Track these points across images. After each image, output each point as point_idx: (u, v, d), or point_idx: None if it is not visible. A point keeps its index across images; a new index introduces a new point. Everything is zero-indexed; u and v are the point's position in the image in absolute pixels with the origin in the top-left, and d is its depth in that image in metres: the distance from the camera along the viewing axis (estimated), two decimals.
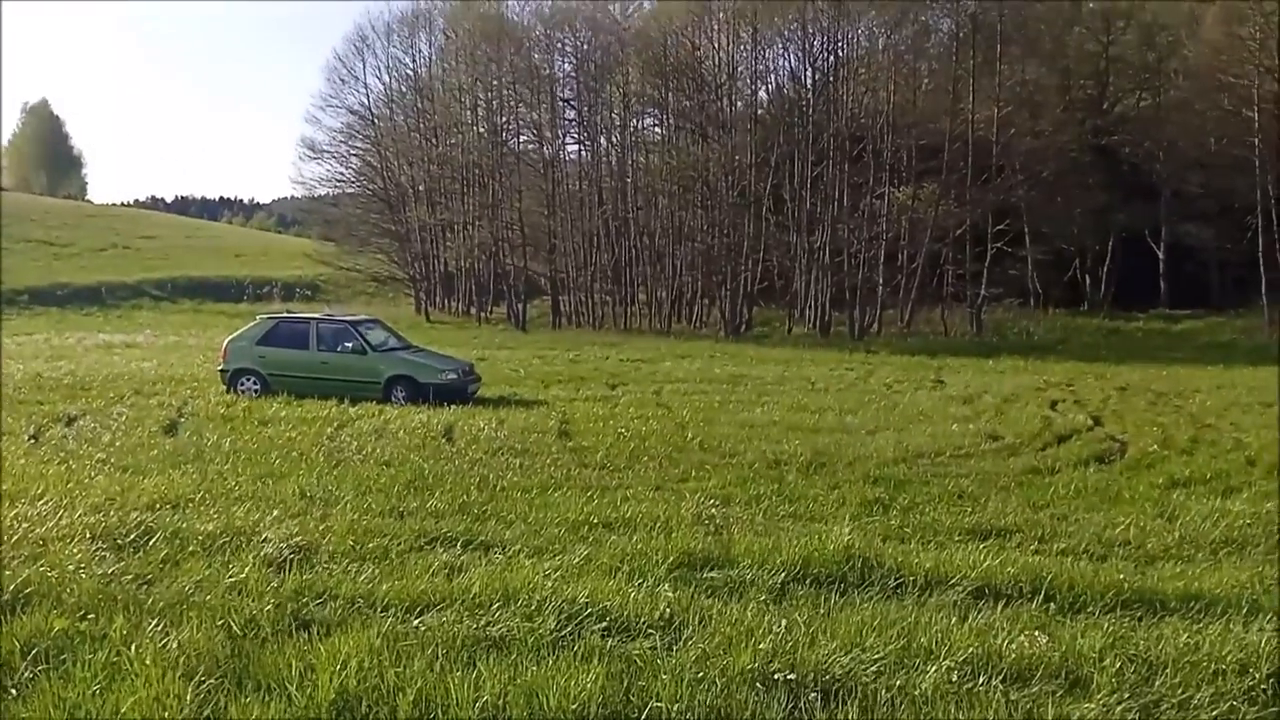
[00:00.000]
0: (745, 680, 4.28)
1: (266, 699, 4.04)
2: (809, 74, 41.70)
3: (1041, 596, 5.81)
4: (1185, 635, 5.17)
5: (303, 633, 4.84)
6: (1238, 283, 39.22)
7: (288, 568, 5.95)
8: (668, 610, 5.22)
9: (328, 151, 54.78)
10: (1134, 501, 9.06)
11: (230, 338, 17.92)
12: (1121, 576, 6.18)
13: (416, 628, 4.91)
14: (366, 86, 53.15)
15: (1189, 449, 12.50)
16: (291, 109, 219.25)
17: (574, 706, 3.92)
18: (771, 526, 7.64)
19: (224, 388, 16.82)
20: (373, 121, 53.68)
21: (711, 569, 6.24)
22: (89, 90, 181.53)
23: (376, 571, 5.91)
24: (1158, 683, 4.52)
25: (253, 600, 5.25)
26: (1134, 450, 12.33)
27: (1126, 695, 4.36)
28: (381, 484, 8.85)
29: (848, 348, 33.85)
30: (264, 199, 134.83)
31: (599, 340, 35.35)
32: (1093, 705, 4.23)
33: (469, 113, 51.01)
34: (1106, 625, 5.28)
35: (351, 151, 55.45)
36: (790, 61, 44.05)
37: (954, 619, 5.33)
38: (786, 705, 4.05)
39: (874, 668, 4.52)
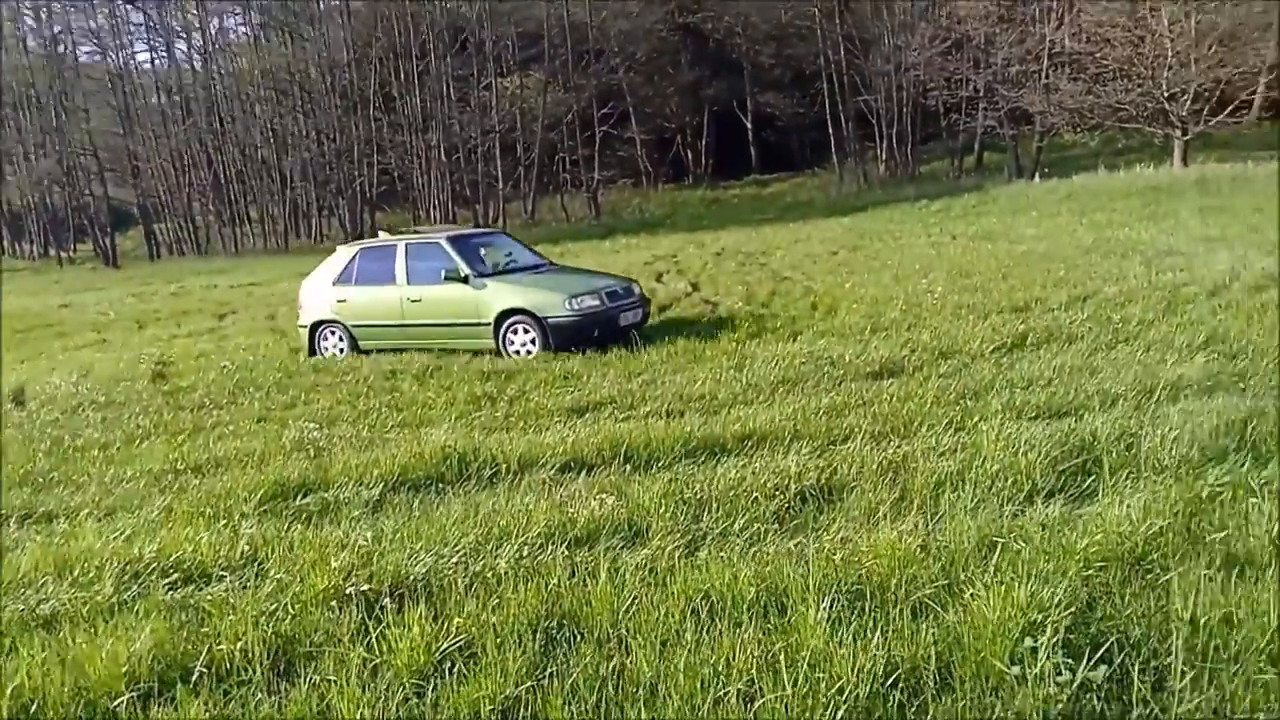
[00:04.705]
0: (319, 601, 4.27)
1: None
2: None
3: (620, 459, 6.29)
4: (735, 471, 5.83)
5: None
6: (815, 145, 43.86)
7: None
8: (248, 548, 5.05)
9: None
10: (714, 358, 9.92)
11: (306, 280, 13.06)
12: (689, 429, 6.81)
13: None
14: None
15: (767, 302, 13.96)
16: None
17: (123, 669, 3.70)
18: (378, 439, 7.58)
19: (305, 349, 12.60)
20: None
21: (306, 495, 6.10)
22: None
23: None
24: (704, 519, 5.09)
25: None
26: (722, 309, 13.56)
27: (678, 536, 4.86)
28: None
29: None
30: None
31: (206, 268, 32.59)
32: (648, 550, 4.68)
33: (10, 24, 43.65)
34: (668, 476, 5.82)
35: None
36: None
37: (539, 497, 5.64)
38: (358, 617, 4.10)
39: (455, 560, 4.69)
